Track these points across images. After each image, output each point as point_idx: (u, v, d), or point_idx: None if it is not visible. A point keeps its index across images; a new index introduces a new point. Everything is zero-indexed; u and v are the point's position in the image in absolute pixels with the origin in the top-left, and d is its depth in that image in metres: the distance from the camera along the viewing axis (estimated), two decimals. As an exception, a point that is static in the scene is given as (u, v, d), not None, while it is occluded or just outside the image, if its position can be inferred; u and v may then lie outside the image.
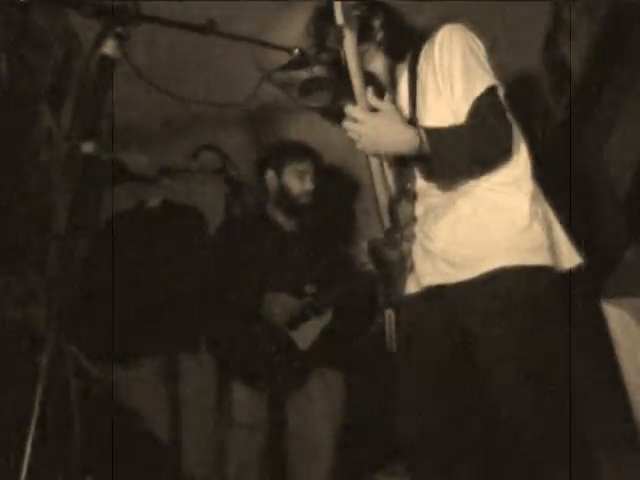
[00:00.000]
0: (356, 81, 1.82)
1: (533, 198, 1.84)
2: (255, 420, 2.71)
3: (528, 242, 1.80)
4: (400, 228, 1.96)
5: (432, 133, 1.78)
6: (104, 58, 1.51)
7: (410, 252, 1.95)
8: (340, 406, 2.79)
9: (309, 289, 2.80)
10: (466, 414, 1.86)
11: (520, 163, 1.87)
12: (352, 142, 1.83)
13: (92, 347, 2.72)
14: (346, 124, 1.81)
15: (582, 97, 2.96)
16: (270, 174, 2.93)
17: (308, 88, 2.89)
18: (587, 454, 1.77)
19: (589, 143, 3.01)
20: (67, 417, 1.99)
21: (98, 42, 1.52)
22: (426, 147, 1.75)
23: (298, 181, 2.89)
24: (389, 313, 1.97)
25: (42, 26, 2.75)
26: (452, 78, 1.83)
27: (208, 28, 1.71)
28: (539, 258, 1.79)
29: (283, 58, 1.97)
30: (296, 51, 1.91)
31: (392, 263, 1.97)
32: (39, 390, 1.30)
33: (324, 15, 1.89)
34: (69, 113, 2.92)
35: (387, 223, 1.98)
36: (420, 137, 1.75)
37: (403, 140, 1.77)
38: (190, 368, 2.98)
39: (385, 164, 1.97)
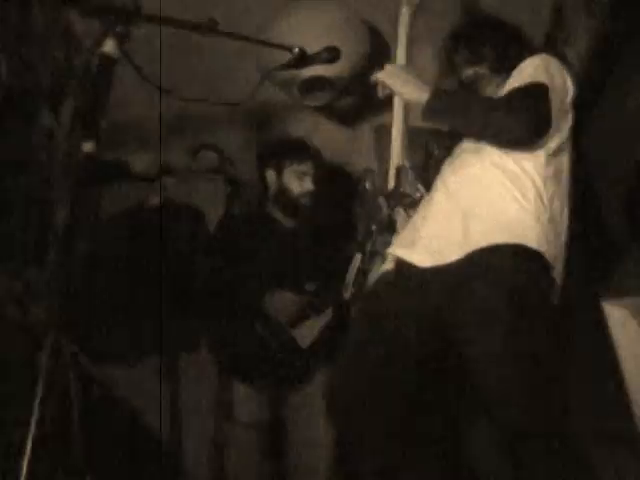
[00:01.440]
0: (401, 47, 2.04)
1: (540, 199, 1.84)
2: (255, 419, 2.71)
3: (511, 225, 1.80)
4: (400, 193, 2.00)
5: (441, 88, 1.95)
6: (104, 57, 1.51)
7: (403, 222, 1.99)
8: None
9: (309, 287, 2.80)
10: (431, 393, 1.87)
11: (544, 162, 1.88)
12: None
13: (92, 347, 2.72)
14: (379, 75, 1.99)
15: (582, 97, 2.96)
16: (270, 173, 2.92)
17: (308, 87, 2.90)
18: (580, 446, 1.76)
19: (589, 143, 3.00)
20: (67, 417, 1.98)
21: (98, 41, 1.52)
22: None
23: (298, 181, 2.88)
24: (357, 257, 2.02)
25: (42, 25, 2.75)
26: (514, 82, 1.92)
27: (208, 27, 1.71)
28: (517, 237, 1.78)
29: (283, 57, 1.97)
30: (296, 50, 1.91)
31: (379, 213, 2.02)
32: (39, 390, 1.30)
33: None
34: (69, 112, 2.91)
35: (392, 184, 2.06)
36: (433, 87, 1.90)
37: (426, 88, 1.91)
38: (190, 368, 2.98)
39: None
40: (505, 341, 1.72)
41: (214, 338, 2.84)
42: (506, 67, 2.05)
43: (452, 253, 1.81)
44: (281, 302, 2.74)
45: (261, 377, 2.71)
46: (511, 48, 2.09)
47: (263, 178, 2.95)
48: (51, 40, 2.83)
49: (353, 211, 3.49)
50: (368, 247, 2.06)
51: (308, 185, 2.89)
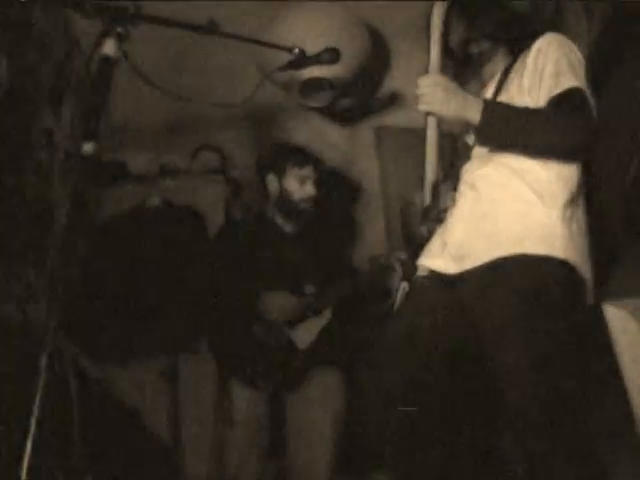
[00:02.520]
0: (434, 51, 1.90)
1: (565, 198, 1.84)
2: (254, 419, 2.71)
3: (538, 233, 1.79)
4: (438, 209, 1.98)
5: (491, 101, 1.86)
6: (104, 58, 1.51)
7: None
8: (339, 406, 2.79)
9: (308, 289, 2.80)
10: (464, 391, 1.88)
11: (568, 166, 1.88)
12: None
13: (92, 347, 2.72)
14: (418, 88, 1.83)
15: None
16: (271, 177, 2.92)
17: (308, 88, 2.90)
18: (592, 447, 1.77)
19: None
20: (67, 417, 1.99)
21: (98, 42, 1.52)
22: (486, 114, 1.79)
23: (299, 186, 2.88)
24: (404, 286, 2.00)
25: (42, 26, 2.75)
26: (542, 80, 1.86)
27: (208, 28, 1.71)
28: (546, 248, 1.78)
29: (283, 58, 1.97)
30: (296, 51, 1.91)
31: (420, 238, 2.01)
32: (39, 390, 1.30)
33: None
34: (69, 113, 2.91)
35: (428, 200, 2.03)
36: (484, 102, 1.80)
37: (471, 104, 1.81)
38: (190, 368, 2.98)
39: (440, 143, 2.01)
40: (528, 349, 1.73)
41: (214, 339, 2.84)
42: (507, 41, 2.03)
43: (478, 258, 1.82)
44: (280, 304, 2.74)
45: (260, 378, 2.71)
46: (506, 19, 2.02)
47: (264, 183, 2.94)
48: (51, 40, 2.83)
49: (353, 214, 3.50)
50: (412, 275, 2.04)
51: (309, 189, 2.88)
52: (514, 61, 2.00)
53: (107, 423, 2.56)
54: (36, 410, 1.29)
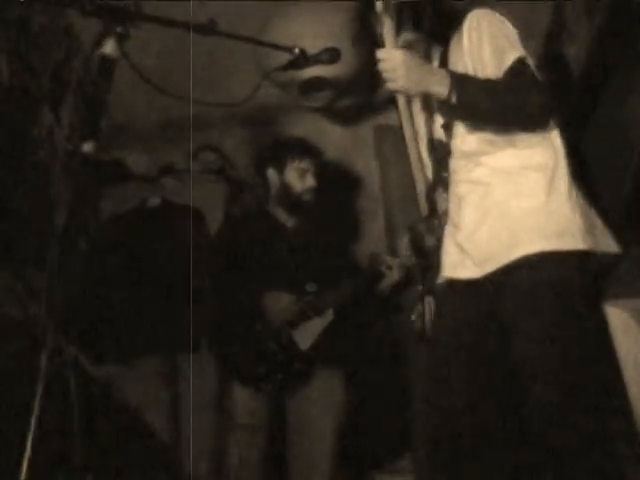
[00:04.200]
0: (389, 31, 1.85)
1: (565, 182, 1.85)
2: (255, 420, 2.71)
3: (555, 227, 1.80)
4: (438, 215, 1.98)
5: (458, 73, 1.83)
6: (104, 58, 1.51)
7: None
8: (340, 406, 2.79)
9: (310, 288, 2.79)
10: (496, 401, 1.88)
11: (553, 146, 1.88)
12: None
13: (92, 347, 2.72)
14: (379, 63, 1.79)
15: (581, 97, 2.96)
16: (271, 171, 2.92)
17: (308, 88, 2.90)
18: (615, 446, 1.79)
19: (588, 143, 3.00)
20: (67, 417, 1.99)
21: (98, 42, 1.52)
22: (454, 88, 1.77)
23: (300, 179, 2.87)
24: (428, 300, 2.00)
25: (42, 25, 2.75)
26: (482, 60, 1.86)
27: (208, 28, 1.71)
28: (567, 242, 1.79)
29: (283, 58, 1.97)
30: (296, 51, 1.91)
31: (430, 250, 2.00)
32: (39, 390, 1.30)
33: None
34: (69, 113, 2.91)
35: (425, 210, 2.03)
36: (450, 75, 1.78)
37: (434, 75, 1.79)
38: (190, 368, 2.98)
39: (421, 150, 2.01)
40: (557, 346, 1.75)
41: (215, 339, 2.84)
42: (429, 27, 2.00)
43: (499, 259, 1.82)
44: (281, 303, 2.74)
45: (261, 378, 2.70)
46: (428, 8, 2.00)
47: (264, 177, 2.94)
48: (51, 40, 2.83)
49: (352, 212, 3.50)
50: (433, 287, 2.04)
51: (310, 182, 2.88)
52: (446, 46, 1.99)
53: (107, 423, 2.56)
54: (36, 410, 1.29)
